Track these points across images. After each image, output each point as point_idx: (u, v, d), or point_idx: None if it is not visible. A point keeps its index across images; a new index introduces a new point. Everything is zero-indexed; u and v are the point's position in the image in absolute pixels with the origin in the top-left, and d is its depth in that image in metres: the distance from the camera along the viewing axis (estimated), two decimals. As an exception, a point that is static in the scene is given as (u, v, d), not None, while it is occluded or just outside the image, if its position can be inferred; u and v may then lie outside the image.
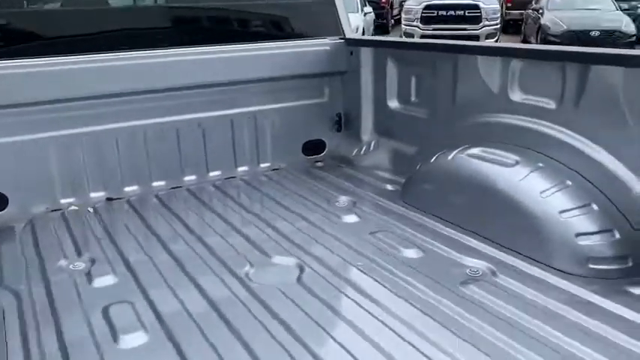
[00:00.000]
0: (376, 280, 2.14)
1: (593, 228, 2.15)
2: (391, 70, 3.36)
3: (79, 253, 2.46)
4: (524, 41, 16.95)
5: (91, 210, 2.97)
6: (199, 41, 3.28)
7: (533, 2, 16.77)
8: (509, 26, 18.38)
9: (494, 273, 2.17)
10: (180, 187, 3.28)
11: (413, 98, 3.26)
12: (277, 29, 3.68)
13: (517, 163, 2.43)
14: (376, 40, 3.59)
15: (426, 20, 14.01)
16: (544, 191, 2.27)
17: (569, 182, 2.28)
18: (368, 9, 16.34)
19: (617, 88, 2.17)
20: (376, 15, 18.64)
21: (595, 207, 2.19)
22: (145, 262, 2.37)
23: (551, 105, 2.45)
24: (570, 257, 2.15)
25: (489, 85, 2.72)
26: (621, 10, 15.35)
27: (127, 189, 3.16)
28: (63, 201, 3.01)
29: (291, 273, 2.23)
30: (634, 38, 14.07)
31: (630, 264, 2.12)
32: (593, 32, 13.88)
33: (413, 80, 3.23)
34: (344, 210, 2.87)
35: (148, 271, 2.28)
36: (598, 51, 2.23)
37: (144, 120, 3.14)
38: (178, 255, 2.42)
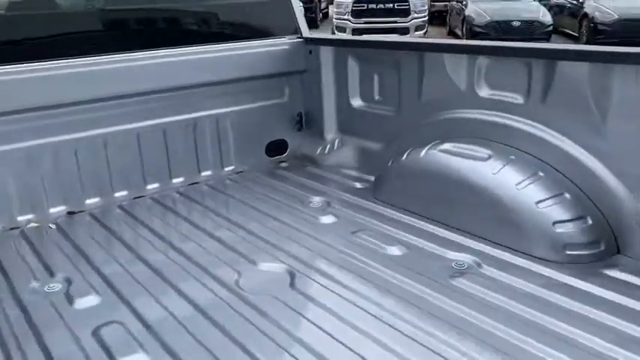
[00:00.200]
0: (368, 280, 2.16)
1: (567, 216, 2.27)
2: (353, 68, 3.38)
3: (51, 274, 2.33)
4: (450, 32, 17.54)
5: (52, 226, 2.82)
6: (155, 45, 3.17)
7: (456, -6, 17.34)
8: (435, 18, 18.90)
9: (479, 265, 2.25)
10: (144, 196, 3.17)
11: (377, 96, 3.30)
12: (235, 30, 3.61)
13: (490, 157, 2.52)
14: (337, 39, 3.61)
15: (356, 14, 14.18)
16: (519, 183, 2.37)
17: (541, 173, 2.39)
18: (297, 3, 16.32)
19: (582, 82, 2.29)
20: (305, 9, 18.67)
21: (568, 196, 2.32)
22: (122, 274, 2.29)
23: (519, 100, 2.55)
24: (549, 245, 2.26)
25: (456, 82, 2.79)
26: (538, 1, 16.19)
27: (88, 201, 3.02)
28: (20, 218, 2.83)
29: (282, 279, 2.21)
30: (550, 28, 14.91)
31: (603, 248, 2.26)
32: (515, 22, 14.58)
33: (376, 78, 3.27)
34: (319, 211, 2.87)
35: (128, 285, 2.20)
36: (564, 47, 2.35)
37: (103, 129, 3.01)
38: (155, 264, 2.36)
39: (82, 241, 2.66)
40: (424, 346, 1.76)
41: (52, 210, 2.91)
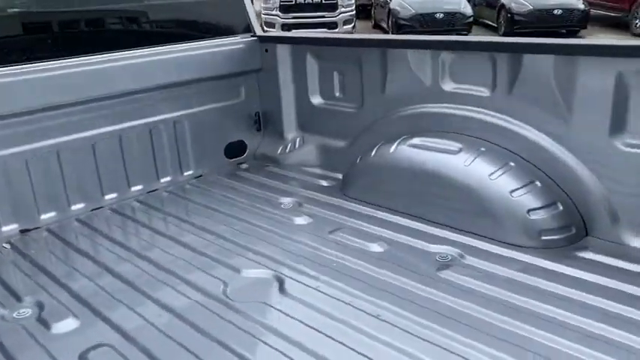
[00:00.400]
0: (358, 279, 2.16)
1: (540, 203, 2.36)
2: (312, 66, 3.36)
3: (17, 298, 2.16)
4: (376, 25, 17.81)
5: (7, 246, 2.62)
6: (105, 48, 3.01)
7: (380, -12, 17.61)
8: (360, 11, 19.10)
9: (462, 256, 2.30)
10: (102, 207, 3.01)
11: (338, 93, 3.29)
12: (187, 30, 3.49)
13: (461, 150, 2.58)
14: (294, 37, 3.55)
15: (284, 9, 14.07)
16: (492, 174, 2.44)
17: (512, 163, 2.48)
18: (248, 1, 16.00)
19: (548, 74, 2.38)
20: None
21: (538, 184, 2.41)
22: (93, 290, 2.19)
23: (485, 93, 2.62)
24: (525, 232, 2.35)
25: (420, 77, 2.83)
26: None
27: (43, 217, 2.83)
28: None
29: (270, 284, 2.17)
30: (471, 19, 15.47)
31: (574, 231, 2.37)
32: (438, 14, 15.00)
33: (336, 75, 3.26)
34: (292, 211, 2.83)
35: (103, 300, 2.10)
36: (529, 41, 2.43)
37: (54, 139, 2.82)
38: (125, 275, 2.28)
39: (42, 259, 2.49)
40: (425, 340, 1.78)
41: (4, 228, 2.71)
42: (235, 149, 3.61)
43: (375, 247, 2.41)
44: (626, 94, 2.19)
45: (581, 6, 14.73)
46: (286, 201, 2.95)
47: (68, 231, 2.77)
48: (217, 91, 3.44)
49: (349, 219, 2.69)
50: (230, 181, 3.34)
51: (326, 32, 13.44)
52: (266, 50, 3.51)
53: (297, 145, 3.54)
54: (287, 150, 3.55)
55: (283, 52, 3.46)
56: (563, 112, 2.38)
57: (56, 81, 2.78)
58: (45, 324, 1.98)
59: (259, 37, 3.55)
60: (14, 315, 2.05)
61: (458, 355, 1.70)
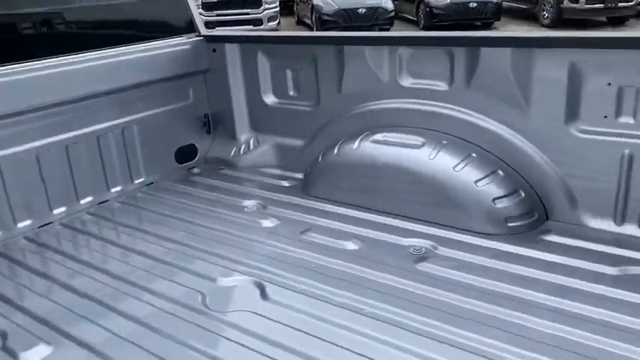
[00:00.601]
0: (337, 278, 2.15)
1: (504, 191, 2.45)
2: (263, 65, 3.30)
3: None
4: (300, 21, 17.83)
5: None
6: (40, 54, 2.81)
7: (301, -16, 17.62)
8: (282, 8, 19.08)
9: (435, 247, 2.34)
10: (51, 222, 2.82)
11: (292, 92, 3.26)
12: (130, 31, 3.32)
13: (423, 144, 2.62)
14: (243, 36, 3.47)
15: (207, 7, 13.78)
16: (456, 166, 2.51)
17: (474, 155, 2.55)
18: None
19: (505, 66, 2.47)
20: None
21: (501, 173, 2.50)
22: (53, 309, 2.07)
23: (443, 87, 2.68)
24: (492, 220, 2.43)
25: (378, 73, 2.85)
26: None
27: None
28: None
29: (251, 291, 2.12)
30: (393, 14, 15.84)
31: (536, 216, 2.48)
32: (361, 10, 15.24)
33: (289, 74, 3.22)
34: (257, 214, 2.78)
35: (66, 319, 1.99)
36: (486, 35, 2.51)
37: None
38: (82, 289, 2.17)
39: None
40: (410, 331, 1.82)
41: None
42: (186, 153, 3.50)
43: (350, 245, 2.41)
44: (578, 83, 2.31)
45: (495, -1, 15.45)
46: (249, 204, 2.90)
47: (14, 249, 2.58)
48: (164, 94, 3.31)
49: (318, 218, 2.67)
50: (183, 186, 3.23)
51: (252, 29, 13.28)
52: (214, 50, 3.42)
53: (251, 147, 3.48)
54: (241, 152, 3.48)
55: (232, 51, 3.38)
56: (520, 102, 2.47)
57: None
58: (13, 354, 1.83)
59: (205, 36, 3.45)
60: None
61: (442, 342, 1.75)
